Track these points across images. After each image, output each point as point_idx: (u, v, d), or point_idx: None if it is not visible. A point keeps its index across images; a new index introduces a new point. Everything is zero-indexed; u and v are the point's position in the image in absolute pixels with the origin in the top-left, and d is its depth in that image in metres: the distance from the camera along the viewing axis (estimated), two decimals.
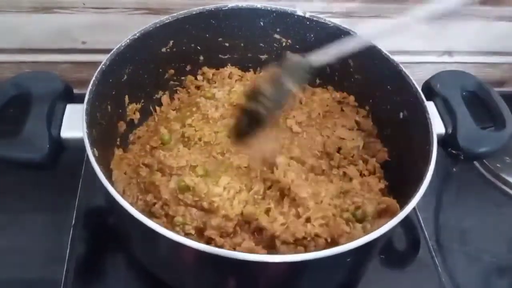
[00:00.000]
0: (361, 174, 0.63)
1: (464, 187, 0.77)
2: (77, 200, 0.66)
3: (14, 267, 0.61)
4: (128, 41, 0.59)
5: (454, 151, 0.58)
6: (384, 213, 0.57)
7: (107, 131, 0.59)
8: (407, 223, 0.69)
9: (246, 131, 0.53)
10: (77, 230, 0.64)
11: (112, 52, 0.57)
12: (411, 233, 0.69)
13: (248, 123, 0.52)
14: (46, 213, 0.66)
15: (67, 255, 0.61)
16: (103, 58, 0.57)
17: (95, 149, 0.49)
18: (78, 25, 0.76)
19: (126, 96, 0.63)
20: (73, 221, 0.64)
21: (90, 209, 0.66)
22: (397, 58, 0.62)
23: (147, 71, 0.65)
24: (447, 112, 0.60)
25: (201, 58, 0.71)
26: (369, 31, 0.52)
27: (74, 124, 0.52)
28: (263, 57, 0.72)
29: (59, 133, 0.53)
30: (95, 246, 0.63)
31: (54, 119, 0.54)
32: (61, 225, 0.64)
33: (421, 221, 0.70)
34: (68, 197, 0.66)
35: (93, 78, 0.54)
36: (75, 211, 0.65)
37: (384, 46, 0.63)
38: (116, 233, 0.61)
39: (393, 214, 0.55)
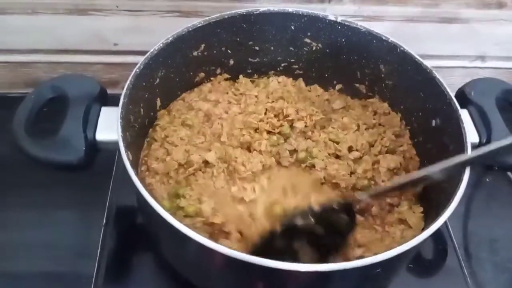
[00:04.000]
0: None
1: (494, 196, 0.76)
2: (108, 199, 0.68)
3: (48, 260, 0.63)
4: (161, 45, 0.60)
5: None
6: None
7: (138, 134, 0.60)
8: (436, 231, 0.68)
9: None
10: (108, 228, 0.65)
11: (146, 56, 0.58)
12: (440, 241, 0.68)
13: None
14: (79, 210, 0.68)
15: (99, 251, 0.63)
16: (134, 60, 0.57)
17: (129, 153, 0.50)
18: (111, 27, 0.77)
19: (158, 99, 0.64)
20: (104, 220, 0.66)
21: (120, 208, 0.68)
22: (428, 63, 0.61)
23: (178, 74, 0.66)
24: (482, 121, 0.59)
25: (231, 61, 0.71)
26: None
27: (108, 126, 0.54)
28: (293, 60, 0.72)
29: (94, 136, 0.54)
30: (125, 244, 0.65)
31: (90, 121, 0.55)
32: (92, 222, 0.65)
33: (450, 229, 0.69)
34: (99, 196, 0.68)
35: (127, 82, 0.55)
36: (106, 210, 0.67)
37: (416, 50, 0.62)
38: (145, 233, 0.62)
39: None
